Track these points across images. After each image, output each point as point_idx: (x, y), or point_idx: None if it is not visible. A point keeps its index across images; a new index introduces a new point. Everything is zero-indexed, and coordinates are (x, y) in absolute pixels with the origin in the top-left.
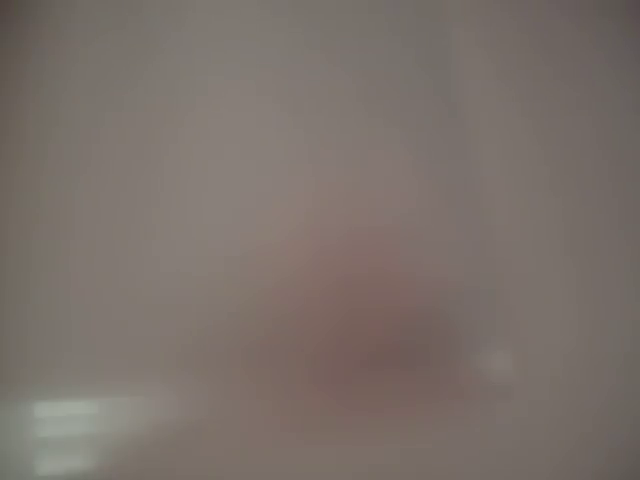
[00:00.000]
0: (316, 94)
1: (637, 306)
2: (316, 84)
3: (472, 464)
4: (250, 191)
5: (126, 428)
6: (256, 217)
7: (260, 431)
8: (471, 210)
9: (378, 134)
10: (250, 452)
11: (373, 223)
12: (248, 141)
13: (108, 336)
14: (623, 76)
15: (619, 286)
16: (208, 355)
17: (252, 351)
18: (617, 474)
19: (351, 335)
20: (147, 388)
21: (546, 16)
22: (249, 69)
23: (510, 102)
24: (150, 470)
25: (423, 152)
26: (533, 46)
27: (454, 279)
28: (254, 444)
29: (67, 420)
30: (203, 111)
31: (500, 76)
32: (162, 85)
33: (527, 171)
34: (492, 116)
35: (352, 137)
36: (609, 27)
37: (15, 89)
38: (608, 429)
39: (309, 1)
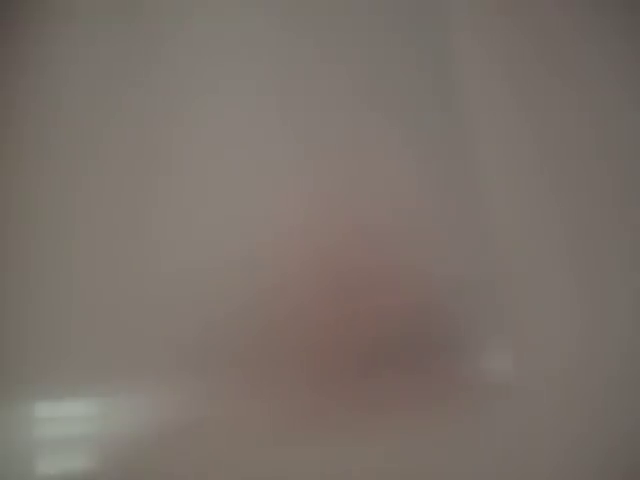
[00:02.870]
0: (316, 94)
1: (638, 305)
2: (316, 83)
3: (472, 464)
4: (249, 191)
5: (126, 428)
6: (255, 217)
7: (260, 431)
8: (471, 208)
9: (378, 133)
10: (250, 452)
11: (373, 221)
12: (248, 141)
13: (108, 336)
14: (625, 81)
15: (620, 284)
16: (208, 355)
17: (252, 351)
18: (618, 474)
19: (350, 334)
20: (147, 388)
21: (549, 18)
22: (249, 69)
23: (510, 100)
24: (150, 470)
25: (423, 150)
26: (533, 45)
27: (454, 277)
28: (254, 444)
29: (67, 420)
30: (203, 112)
31: (500, 73)
32: (162, 86)
33: (527, 168)
34: (492, 114)
35: (352, 137)
36: (612, 30)
37: (16, 90)
38: (609, 428)
39: (310, 3)
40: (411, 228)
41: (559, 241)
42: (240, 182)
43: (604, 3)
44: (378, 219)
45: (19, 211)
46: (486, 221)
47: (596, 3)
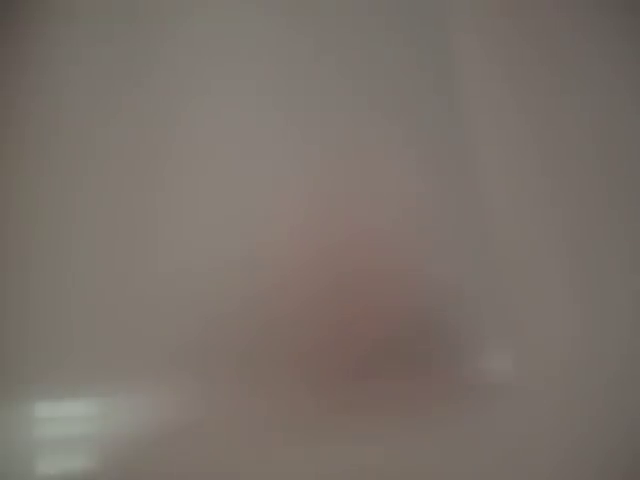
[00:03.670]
0: (317, 94)
1: (637, 306)
2: (317, 83)
3: (472, 463)
4: (249, 191)
5: (126, 428)
6: (255, 217)
7: (259, 431)
8: (471, 208)
9: (378, 134)
10: (249, 452)
11: (372, 221)
12: (248, 141)
13: (108, 336)
14: (626, 83)
15: (620, 285)
16: (208, 355)
17: (252, 351)
18: (618, 474)
19: (350, 335)
20: (147, 388)
21: (549, 19)
22: (249, 69)
23: (511, 100)
24: (150, 470)
25: (423, 152)
26: (534, 46)
27: (453, 279)
28: (253, 444)
29: (67, 420)
30: (203, 112)
31: (501, 74)
32: (162, 86)
33: (528, 169)
34: (493, 115)
35: (352, 137)
36: (613, 31)
37: (16, 90)
38: (609, 428)
39: (310, 3)
40: (411, 228)
41: (559, 242)
42: (240, 182)
43: (605, 4)
44: (378, 219)
45: (19, 211)
46: (486, 222)
47: (597, 4)
